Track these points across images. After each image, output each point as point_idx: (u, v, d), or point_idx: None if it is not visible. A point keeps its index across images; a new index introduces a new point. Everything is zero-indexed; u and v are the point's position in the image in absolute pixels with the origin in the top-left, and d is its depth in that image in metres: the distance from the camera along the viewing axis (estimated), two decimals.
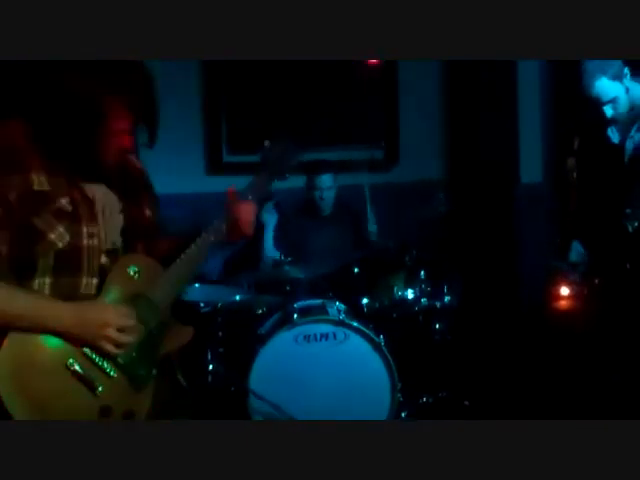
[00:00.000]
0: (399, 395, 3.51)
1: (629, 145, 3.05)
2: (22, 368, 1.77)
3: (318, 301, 3.77)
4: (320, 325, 3.51)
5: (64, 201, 1.84)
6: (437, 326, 4.01)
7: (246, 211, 2.07)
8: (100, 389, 1.84)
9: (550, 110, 4.80)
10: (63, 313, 1.81)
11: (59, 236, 1.82)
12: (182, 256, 2.00)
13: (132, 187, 2.03)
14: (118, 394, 1.88)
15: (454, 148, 5.24)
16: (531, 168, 4.81)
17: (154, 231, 2.08)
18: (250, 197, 2.09)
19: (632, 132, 3.02)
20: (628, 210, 2.92)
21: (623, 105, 2.97)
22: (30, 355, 1.79)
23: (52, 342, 1.81)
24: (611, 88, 2.93)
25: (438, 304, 3.96)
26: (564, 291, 4.30)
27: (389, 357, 3.49)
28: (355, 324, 3.52)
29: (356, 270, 3.91)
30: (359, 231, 4.33)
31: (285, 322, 3.52)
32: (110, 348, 1.86)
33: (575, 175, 4.72)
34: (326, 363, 3.49)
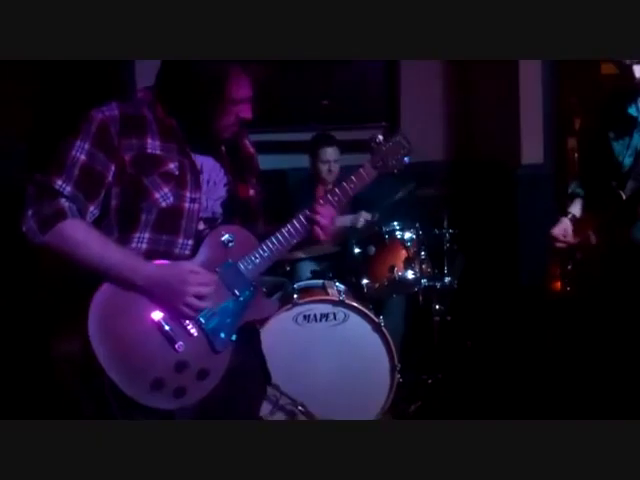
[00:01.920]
0: (398, 376, 3.52)
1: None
2: (111, 313, 1.91)
3: (318, 281, 3.77)
4: (320, 305, 3.51)
5: (172, 165, 2.00)
6: (437, 307, 4.02)
7: (325, 216, 2.12)
8: (180, 344, 1.96)
9: (551, 92, 4.77)
10: (147, 271, 1.94)
11: (163, 196, 1.99)
12: (277, 234, 2.10)
13: (240, 166, 2.16)
14: (196, 352, 1.98)
15: (455, 129, 5.22)
16: (532, 149, 4.79)
17: (255, 211, 2.18)
18: (337, 199, 2.14)
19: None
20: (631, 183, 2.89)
21: None
22: (120, 303, 1.93)
23: (142, 294, 1.94)
24: None
25: (438, 284, 3.96)
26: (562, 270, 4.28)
27: (389, 338, 3.50)
28: (355, 304, 3.53)
29: (357, 250, 3.91)
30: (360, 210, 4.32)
31: (285, 302, 3.53)
32: (186, 312, 1.96)
33: (576, 155, 4.70)
34: (326, 343, 3.50)
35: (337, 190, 2.16)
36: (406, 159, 2.22)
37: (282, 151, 4.78)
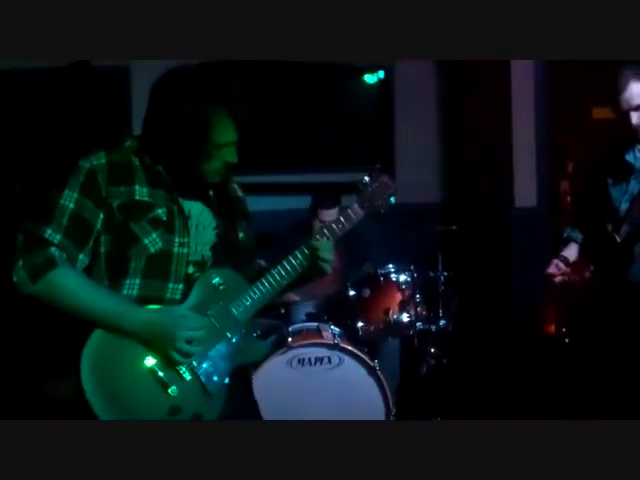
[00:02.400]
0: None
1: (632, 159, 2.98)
2: (104, 361, 1.92)
3: (313, 324, 3.75)
4: (315, 349, 3.49)
5: (161, 211, 2.02)
6: (432, 350, 4.00)
7: (325, 250, 2.14)
8: (173, 389, 1.96)
9: (545, 134, 4.82)
10: (138, 317, 1.94)
11: (152, 242, 2.00)
12: (267, 276, 2.11)
13: (228, 210, 2.18)
14: (190, 397, 1.98)
15: (449, 172, 5.26)
16: (525, 192, 4.82)
17: (245, 254, 2.20)
18: (329, 234, 2.17)
19: None
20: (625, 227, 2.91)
21: None
22: (112, 350, 1.93)
23: (134, 340, 1.95)
24: None
25: (433, 327, 3.95)
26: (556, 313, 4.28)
27: (384, 381, 3.48)
28: (350, 348, 3.50)
29: (352, 293, 3.90)
30: (354, 253, 4.31)
31: (279, 346, 3.50)
32: (178, 358, 1.96)
33: (569, 198, 4.73)
34: (320, 387, 3.47)
35: (325, 231, 2.18)
36: (392, 199, 2.26)
37: (278, 193, 4.81)
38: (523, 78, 4.69)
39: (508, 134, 4.76)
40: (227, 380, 2.04)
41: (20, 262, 1.92)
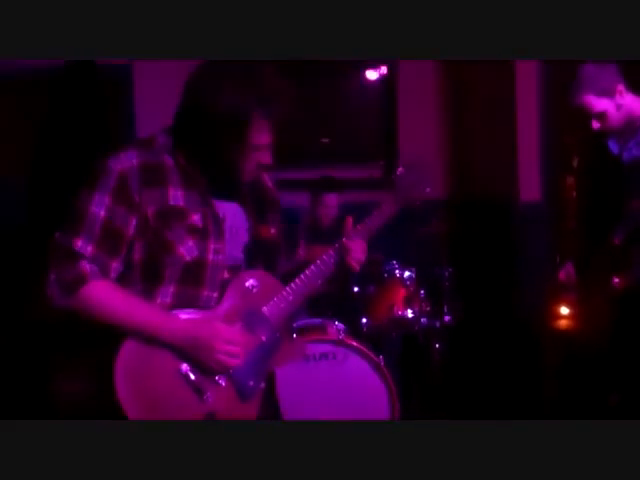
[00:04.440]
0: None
1: (626, 157, 3.01)
2: (138, 369, 1.88)
3: (317, 320, 3.76)
4: (319, 345, 3.49)
5: (196, 217, 1.94)
6: (437, 346, 4.01)
7: (356, 249, 2.08)
8: (208, 395, 1.92)
9: (549, 128, 4.81)
10: (174, 329, 1.89)
11: (188, 250, 1.92)
12: (301, 276, 2.05)
13: (261, 205, 2.11)
14: (225, 402, 1.95)
15: (453, 168, 5.25)
16: (530, 186, 4.81)
17: (277, 249, 2.15)
18: (364, 232, 2.11)
19: (630, 144, 2.97)
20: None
21: (614, 120, 2.93)
22: (146, 357, 1.89)
23: (167, 348, 1.90)
24: (598, 103, 2.90)
25: (438, 324, 3.96)
26: (564, 310, 4.28)
27: (388, 377, 3.48)
28: (355, 344, 3.51)
29: (356, 289, 3.91)
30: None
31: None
32: (217, 369, 1.92)
33: (574, 193, 4.72)
34: (325, 383, 3.48)
35: (359, 227, 2.12)
36: (427, 189, 2.19)
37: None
38: (527, 75, 4.68)
39: (513, 129, 4.76)
40: (263, 384, 2.00)
41: (52, 276, 1.87)
